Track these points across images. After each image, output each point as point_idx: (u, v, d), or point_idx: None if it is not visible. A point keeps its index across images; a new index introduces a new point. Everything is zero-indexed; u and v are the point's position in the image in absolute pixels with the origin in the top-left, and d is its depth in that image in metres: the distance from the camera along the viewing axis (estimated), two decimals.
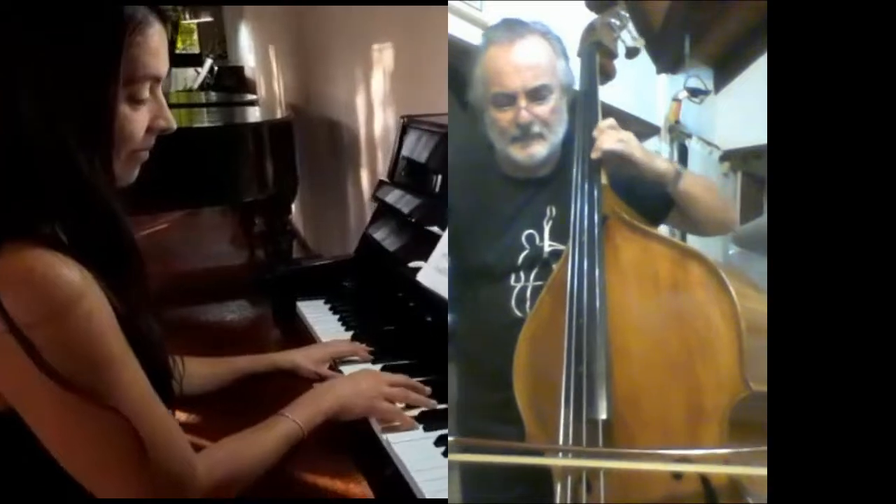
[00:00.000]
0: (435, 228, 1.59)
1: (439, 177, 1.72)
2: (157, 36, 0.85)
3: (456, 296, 1.36)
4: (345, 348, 1.42)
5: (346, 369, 1.38)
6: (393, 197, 1.83)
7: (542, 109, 1.25)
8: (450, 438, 1.08)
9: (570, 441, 1.01)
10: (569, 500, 1.00)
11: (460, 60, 1.34)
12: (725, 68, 3.63)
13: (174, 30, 0.89)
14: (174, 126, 0.91)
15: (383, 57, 2.94)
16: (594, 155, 1.17)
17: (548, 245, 1.27)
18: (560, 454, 1.03)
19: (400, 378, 1.22)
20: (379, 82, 3.02)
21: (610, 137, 1.17)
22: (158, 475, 0.81)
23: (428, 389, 1.23)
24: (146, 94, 0.86)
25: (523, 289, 1.26)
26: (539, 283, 1.24)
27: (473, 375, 1.34)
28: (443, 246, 1.49)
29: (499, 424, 1.19)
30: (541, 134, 1.26)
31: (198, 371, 1.18)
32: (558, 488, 1.02)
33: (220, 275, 4.08)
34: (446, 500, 1.07)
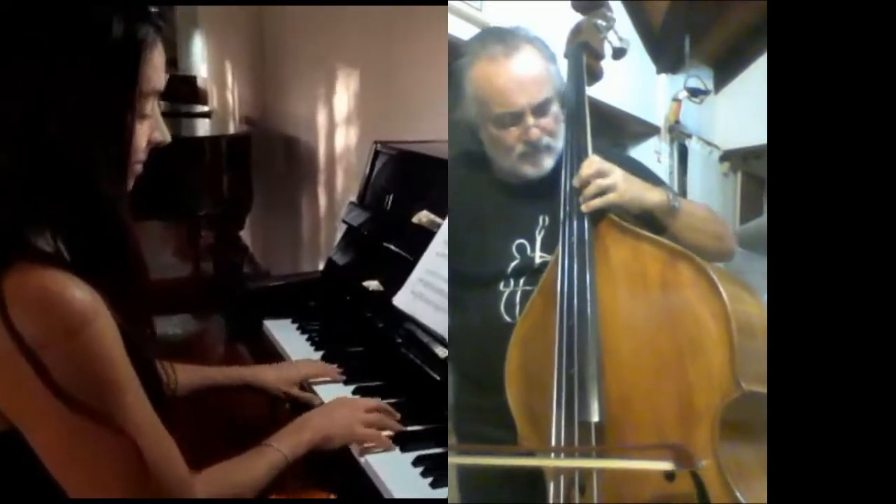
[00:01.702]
0: (396, 249, 1.60)
1: (391, 196, 1.74)
2: (159, 52, 0.88)
3: (452, 298, 1.35)
4: (317, 370, 1.43)
5: (319, 389, 1.39)
6: (362, 219, 1.84)
7: (548, 121, 1.22)
8: (449, 442, 1.08)
9: (563, 444, 1.01)
10: (561, 501, 1.00)
11: (453, 76, 1.29)
12: (725, 68, 3.63)
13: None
14: (169, 138, 0.92)
15: (348, 78, 2.94)
16: (584, 208, 1.12)
17: (538, 256, 1.25)
18: (552, 455, 1.03)
19: (375, 403, 1.25)
20: (343, 102, 3.01)
21: (592, 191, 1.12)
22: (158, 495, 0.82)
23: (398, 415, 1.25)
24: (149, 108, 0.88)
25: (512, 294, 1.25)
26: (529, 287, 1.22)
27: (467, 378, 1.34)
28: (419, 271, 1.49)
29: (492, 428, 1.18)
30: (548, 146, 1.23)
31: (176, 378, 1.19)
32: (551, 489, 1.01)
33: (163, 287, 4.00)
34: (446, 500, 1.07)
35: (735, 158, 3.73)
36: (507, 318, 1.23)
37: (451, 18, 1.95)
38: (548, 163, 1.24)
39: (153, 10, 0.87)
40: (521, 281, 1.25)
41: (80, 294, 0.75)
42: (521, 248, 1.26)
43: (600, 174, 1.12)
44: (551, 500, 1.01)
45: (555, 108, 1.23)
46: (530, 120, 1.20)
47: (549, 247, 1.24)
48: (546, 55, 1.24)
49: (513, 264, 1.25)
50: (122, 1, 0.83)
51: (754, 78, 3.40)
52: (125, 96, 0.83)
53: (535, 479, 1.07)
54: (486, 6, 2.21)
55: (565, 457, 1.02)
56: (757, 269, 0.99)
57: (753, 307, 1.00)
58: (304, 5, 3.62)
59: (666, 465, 0.90)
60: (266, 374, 1.35)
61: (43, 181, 0.79)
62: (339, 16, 2.91)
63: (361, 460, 1.16)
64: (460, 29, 1.94)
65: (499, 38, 1.22)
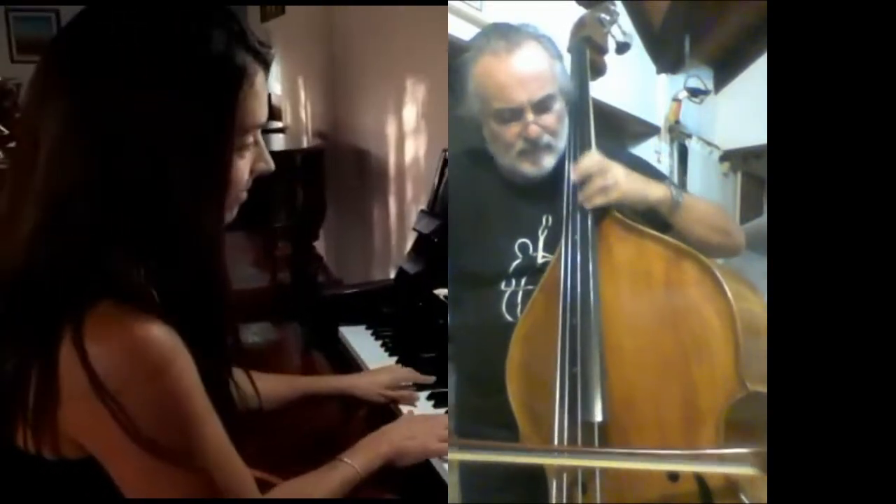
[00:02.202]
0: None
1: None
2: (262, 83, 0.84)
3: (453, 297, 1.35)
4: (406, 374, 1.41)
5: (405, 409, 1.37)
6: (433, 227, 1.85)
7: (549, 119, 1.21)
8: (450, 440, 1.08)
9: (566, 443, 1.01)
10: (564, 501, 1.00)
11: (457, 72, 1.28)
12: (725, 68, 3.63)
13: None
14: (273, 167, 0.90)
15: (416, 89, 3.00)
16: (586, 205, 1.12)
17: (541, 256, 1.24)
18: (555, 454, 1.03)
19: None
20: (411, 113, 3.07)
21: (593, 188, 1.12)
22: None
23: None
24: (252, 140, 0.86)
25: (514, 293, 1.24)
26: (530, 287, 1.22)
27: (468, 378, 1.34)
28: None
29: (493, 427, 1.18)
30: (549, 144, 1.22)
31: (262, 388, 1.18)
32: (553, 488, 1.01)
33: (242, 297, 4.07)
34: (446, 500, 1.07)
35: (735, 158, 3.73)
36: (509, 318, 1.23)
37: (450, 18, 1.95)
38: (547, 161, 1.23)
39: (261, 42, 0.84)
40: (523, 281, 1.24)
41: (161, 336, 0.74)
42: (523, 248, 1.25)
43: (601, 170, 1.12)
44: (554, 500, 1.01)
45: (557, 106, 1.22)
46: (530, 116, 1.20)
47: (551, 246, 1.23)
48: (552, 53, 1.23)
49: (515, 263, 1.25)
50: (224, 30, 0.80)
51: (754, 78, 3.40)
52: (222, 133, 0.80)
53: (536, 478, 1.07)
54: (486, 6, 2.21)
55: (568, 455, 1.02)
56: (757, 269, 0.99)
57: (758, 306, 0.99)
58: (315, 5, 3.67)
59: (749, 471, 0.88)
60: (358, 381, 1.35)
61: (130, 216, 0.77)
62: (405, 28, 2.97)
63: (438, 466, 1.14)
64: (460, 29, 1.95)
65: (503, 34, 1.21)
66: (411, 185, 3.13)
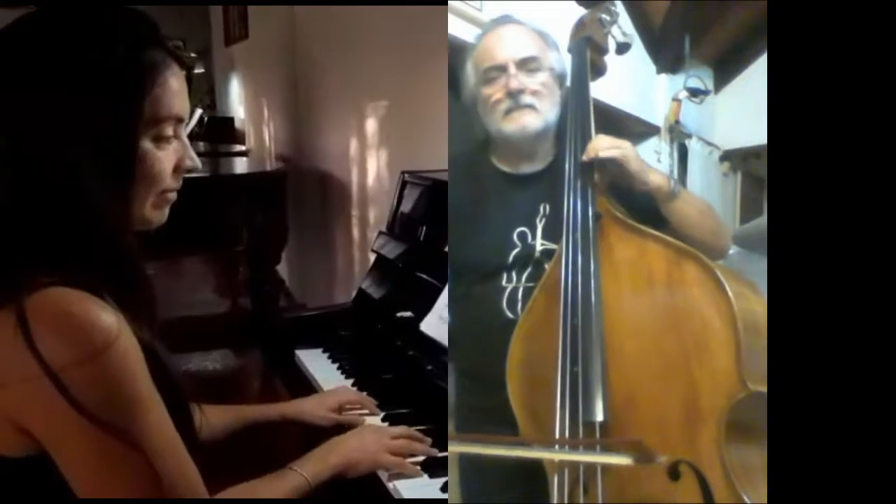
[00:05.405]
0: (426, 277, 1.60)
1: (424, 226, 1.75)
2: (177, 78, 0.88)
3: (452, 294, 1.35)
4: (353, 397, 1.41)
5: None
6: (392, 248, 1.85)
7: (532, 80, 1.26)
8: (449, 434, 1.07)
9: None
10: (565, 500, 1.00)
11: (459, 60, 1.36)
12: (725, 68, 3.64)
13: (188, 77, 0.92)
14: (199, 164, 0.94)
15: (379, 113, 3.03)
16: (586, 158, 1.16)
17: (540, 244, 1.26)
18: (556, 447, 1.03)
19: (402, 430, 1.23)
20: (374, 136, 3.10)
21: (605, 143, 1.16)
22: None
23: (429, 439, 1.23)
24: (170, 133, 0.89)
25: (514, 290, 1.25)
26: (531, 284, 1.23)
27: (468, 376, 1.34)
28: (445, 296, 1.48)
29: (493, 426, 1.18)
30: (531, 105, 1.26)
31: (208, 419, 1.19)
32: (554, 487, 1.01)
33: (202, 323, 4.03)
34: (446, 500, 1.07)
35: (735, 158, 3.74)
36: (509, 315, 1.24)
37: (450, 18, 1.95)
38: (530, 122, 1.26)
39: (175, 42, 0.89)
40: (524, 276, 1.25)
41: (102, 314, 0.77)
42: (522, 236, 1.27)
43: (613, 146, 1.16)
44: (555, 500, 1.01)
45: (543, 75, 1.27)
46: (513, 70, 1.25)
47: (549, 235, 1.25)
48: (547, 41, 1.29)
49: (514, 252, 1.26)
50: (129, 27, 0.85)
51: (754, 78, 3.40)
52: (128, 119, 0.84)
53: (537, 478, 1.07)
54: (486, 6, 2.21)
55: (569, 450, 1.02)
56: (757, 270, 0.99)
57: (759, 306, 0.99)
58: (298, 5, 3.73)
59: (625, 460, 0.92)
60: (303, 406, 1.34)
61: (50, 205, 0.81)
62: (368, 53, 3.02)
63: (390, 486, 1.14)
64: (460, 29, 1.95)
65: (502, 20, 1.31)
66: (374, 208, 3.14)
